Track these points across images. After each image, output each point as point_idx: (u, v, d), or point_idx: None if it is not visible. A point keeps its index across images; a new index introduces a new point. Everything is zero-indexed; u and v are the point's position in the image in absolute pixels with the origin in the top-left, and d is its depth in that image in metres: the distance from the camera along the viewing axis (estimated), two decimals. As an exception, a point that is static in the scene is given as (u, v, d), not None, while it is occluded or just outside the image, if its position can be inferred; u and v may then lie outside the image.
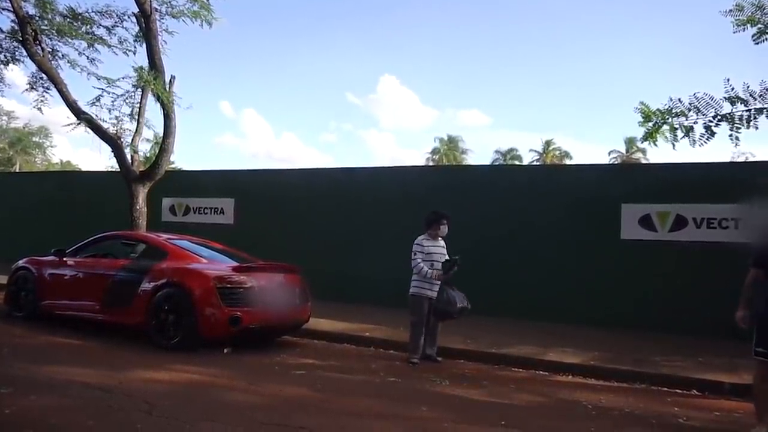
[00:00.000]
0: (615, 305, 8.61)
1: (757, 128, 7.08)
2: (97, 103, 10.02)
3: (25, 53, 9.87)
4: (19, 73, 25.23)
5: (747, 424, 4.43)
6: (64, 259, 7.34)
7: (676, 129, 7.30)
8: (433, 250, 6.29)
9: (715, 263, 8.22)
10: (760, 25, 7.05)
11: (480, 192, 9.87)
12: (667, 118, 7.25)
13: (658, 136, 7.39)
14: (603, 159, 43.07)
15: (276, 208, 11.28)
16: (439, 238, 6.41)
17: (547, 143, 46.07)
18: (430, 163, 43.54)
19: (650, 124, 7.35)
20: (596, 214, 9.00)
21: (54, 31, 9.89)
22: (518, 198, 9.58)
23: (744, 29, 7.13)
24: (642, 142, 8.06)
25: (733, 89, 6.97)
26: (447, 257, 6.32)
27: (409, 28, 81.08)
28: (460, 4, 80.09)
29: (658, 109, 7.28)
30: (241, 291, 6.13)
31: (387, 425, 3.99)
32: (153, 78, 9.36)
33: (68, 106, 9.86)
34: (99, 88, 10.01)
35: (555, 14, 74.76)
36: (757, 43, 7.13)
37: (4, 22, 22.65)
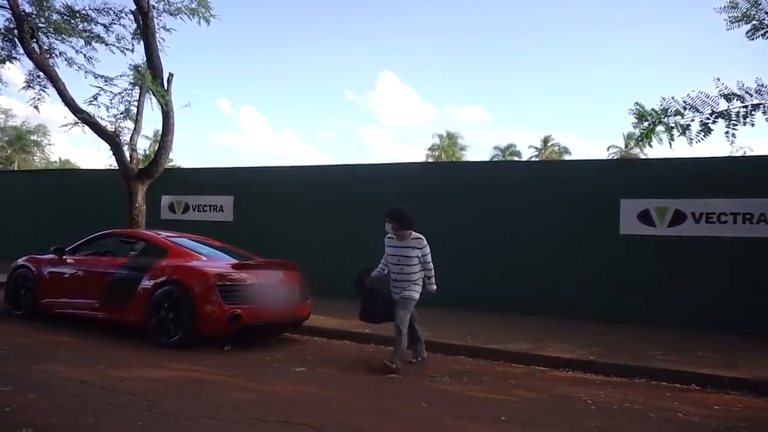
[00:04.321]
0: (614, 300, 8.63)
1: (753, 125, 7.09)
2: (94, 102, 10.01)
3: (22, 51, 9.84)
4: (16, 72, 25.23)
5: (746, 418, 4.45)
6: (64, 257, 7.34)
7: (672, 128, 7.30)
8: (389, 251, 5.82)
9: (713, 258, 8.25)
10: (754, 22, 7.05)
11: (479, 188, 9.88)
12: (662, 118, 7.25)
13: (653, 136, 7.40)
14: (602, 154, 43.13)
15: (275, 205, 11.28)
16: (400, 238, 5.71)
17: (546, 139, 46.02)
18: (429, 160, 43.50)
19: (645, 124, 7.35)
20: (595, 210, 9.01)
21: (51, 29, 9.86)
22: (517, 194, 9.59)
23: (738, 26, 7.13)
24: (638, 143, 8.05)
25: (726, 87, 6.97)
26: (407, 257, 5.69)
27: (407, 25, 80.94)
28: (460, 1, 79.93)
29: (652, 109, 7.28)
30: (241, 288, 6.14)
31: (387, 422, 4.00)
32: (150, 77, 9.34)
33: (66, 104, 9.84)
34: (97, 86, 10.00)
35: (554, 10, 74.64)
36: (752, 39, 7.13)
37: (0, 20, 22.53)
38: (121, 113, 10.10)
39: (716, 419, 4.36)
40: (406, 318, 5.60)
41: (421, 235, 5.72)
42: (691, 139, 7.28)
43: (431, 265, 5.76)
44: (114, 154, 10.09)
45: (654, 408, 4.58)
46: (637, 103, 7.33)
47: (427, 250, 5.71)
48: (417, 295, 5.71)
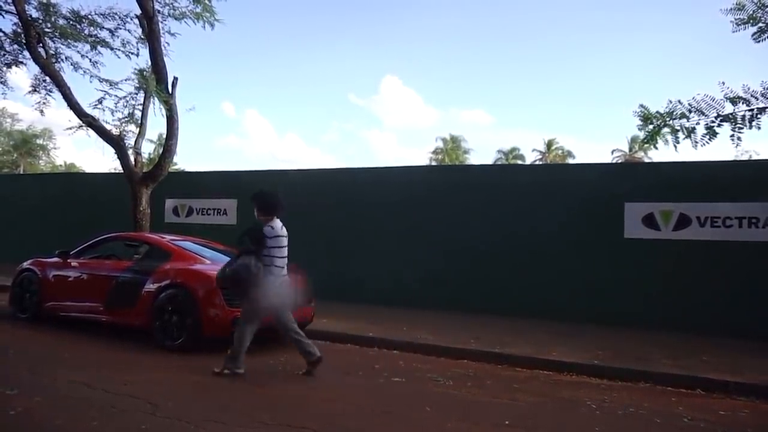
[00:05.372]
0: (618, 304, 8.59)
1: (759, 128, 7.06)
2: (99, 106, 10.07)
3: (28, 56, 9.91)
4: (22, 76, 25.51)
5: (753, 424, 4.42)
6: (68, 260, 7.37)
7: (678, 131, 7.29)
8: None
9: (718, 262, 8.21)
10: (761, 24, 7.03)
11: (483, 192, 9.87)
12: (668, 120, 7.24)
13: (658, 138, 7.38)
14: (606, 158, 43.02)
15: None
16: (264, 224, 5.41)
17: (550, 142, 45.96)
18: (433, 163, 43.51)
19: (650, 127, 7.33)
20: (599, 213, 8.99)
21: (57, 34, 9.93)
22: (521, 197, 9.57)
23: (744, 28, 7.11)
24: (643, 145, 8.03)
25: (732, 90, 6.95)
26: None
27: (411, 29, 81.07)
28: (463, 4, 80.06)
29: (657, 112, 7.27)
30: (245, 291, 6.13)
31: (390, 425, 3.99)
32: (154, 81, 9.39)
33: (71, 109, 9.89)
34: (102, 91, 10.07)
35: (558, 13, 74.64)
36: (758, 42, 7.11)
37: (7, 24, 22.72)
38: (126, 117, 10.17)
39: (723, 425, 4.33)
40: (245, 326, 5.13)
41: (275, 225, 5.26)
42: (696, 143, 7.26)
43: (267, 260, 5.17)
44: (118, 158, 10.14)
45: (659, 413, 4.55)
46: (641, 106, 7.32)
47: (270, 243, 5.21)
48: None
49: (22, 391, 4.23)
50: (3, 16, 10.06)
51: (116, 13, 10.07)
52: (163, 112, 9.86)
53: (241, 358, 5.12)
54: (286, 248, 5.31)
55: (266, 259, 5.16)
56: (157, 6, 9.63)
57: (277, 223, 5.28)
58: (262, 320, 6.18)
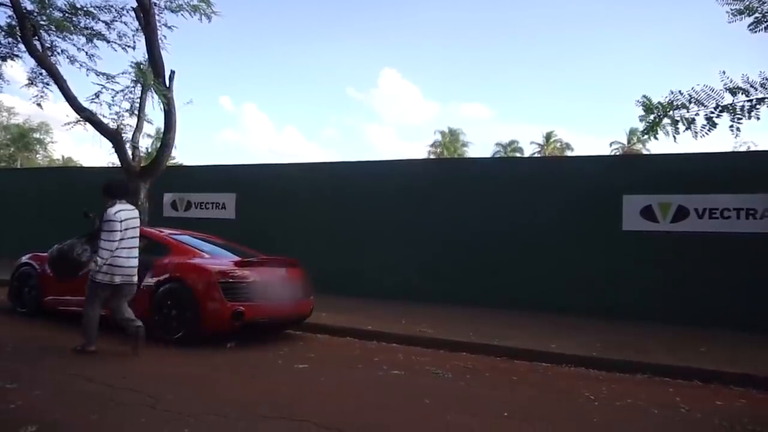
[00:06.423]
0: (616, 296, 8.62)
1: (758, 118, 7.08)
2: (96, 100, 10.02)
3: (24, 49, 9.85)
4: (18, 69, 25.25)
5: (750, 414, 4.44)
6: (67, 255, 7.35)
7: (678, 122, 7.29)
8: None
9: (716, 254, 8.23)
10: (757, 15, 7.01)
11: (481, 185, 9.87)
12: (669, 111, 7.24)
13: (658, 129, 7.39)
14: (604, 150, 42.96)
15: (278, 202, 11.28)
16: None
17: (548, 135, 45.90)
18: (431, 157, 43.44)
19: (651, 117, 7.34)
20: (597, 206, 9.00)
21: (52, 27, 9.86)
22: (519, 190, 9.58)
23: (741, 19, 7.10)
24: (643, 136, 8.06)
25: (731, 81, 6.95)
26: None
27: (409, 22, 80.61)
28: (461, -3, 79.56)
29: (659, 102, 7.27)
30: (244, 285, 6.15)
31: (389, 418, 4.01)
32: (151, 74, 9.33)
33: (68, 102, 9.85)
34: (99, 84, 10.01)
35: (556, 6, 74.29)
36: (754, 32, 7.11)
37: (1, 17, 22.55)
38: (124, 111, 10.12)
39: (719, 415, 4.35)
40: (88, 304, 5.45)
41: (109, 210, 5.46)
42: (696, 133, 7.28)
43: (101, 244, 5.36)
44: (116, 152, 10.10)
45: (657, 404, 4.58)
46: (644, 96, 7.33)
47: (104, 227, 5.40)
48: (99, 276, 5.36)
49: (22, 384, 4.23)
50: (-3, 10, 9.99)
51: (112, 6, 10.01)
52: (161, 105, 9.82)
53: (93, 337, 5.43)
54: (129, 232, 5.49)
55: (101, 242, 5.36)
56: (153, -2, 9.57)
57: (116, 208, 5.49)
58: (266, 313, 6.21)
